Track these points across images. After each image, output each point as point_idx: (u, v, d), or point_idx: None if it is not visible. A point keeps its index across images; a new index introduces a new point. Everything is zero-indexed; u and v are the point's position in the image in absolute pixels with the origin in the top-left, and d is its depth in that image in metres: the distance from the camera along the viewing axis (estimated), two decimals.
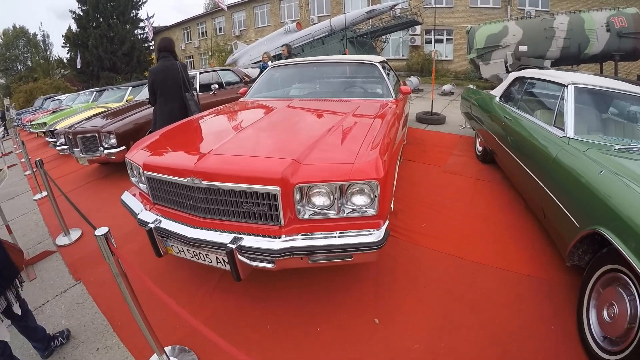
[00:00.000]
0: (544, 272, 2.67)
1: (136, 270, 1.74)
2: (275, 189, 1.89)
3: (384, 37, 18.28)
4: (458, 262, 2.84)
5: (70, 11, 29.76)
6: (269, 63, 7.50)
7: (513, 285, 2.55)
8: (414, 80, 13.28)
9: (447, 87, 12.59)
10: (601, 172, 2.14)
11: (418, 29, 19.53)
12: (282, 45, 7.71)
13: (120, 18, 30.14)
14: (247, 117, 3.31)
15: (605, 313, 1.89)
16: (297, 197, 1.95)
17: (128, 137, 5.19)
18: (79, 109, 9.55)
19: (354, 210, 2.01)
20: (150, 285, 1.70)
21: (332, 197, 1.97)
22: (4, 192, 6.06)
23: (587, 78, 3.39)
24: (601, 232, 1.89)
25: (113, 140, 5.19)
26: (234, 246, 1.91)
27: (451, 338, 2.11)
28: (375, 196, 1.95)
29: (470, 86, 8.32)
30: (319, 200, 1.99)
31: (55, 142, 6.81)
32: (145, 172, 2.37)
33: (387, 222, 2.08)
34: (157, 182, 2.33)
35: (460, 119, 7.35)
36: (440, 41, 20.79)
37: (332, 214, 2.00)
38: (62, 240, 3.70)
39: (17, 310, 1.92)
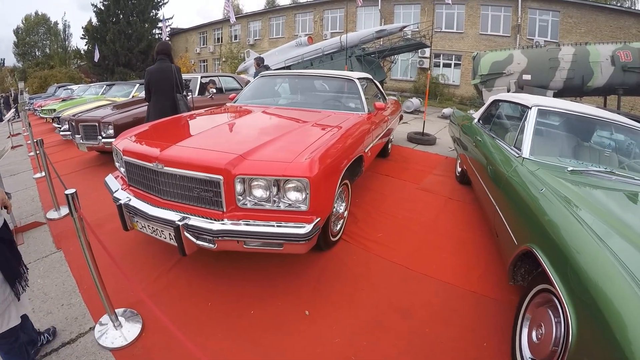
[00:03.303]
0: (490, 290, 2.71)
1: (100, 239, 2.07)
2: (219, 177, 2.23)
3: (392, 57, 18.68)
4: (404, 271, 2.94)
5: (92, 4, 30.64)
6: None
7: (454, 299, 2.60)
8: (414, 101, 13.60)
9: (447, 111, 12.83)
10: (542, 190, 2.19)
11: (427, 52, 19.88)
12: (254, 59, 7.93)
13: (139, 16, 30.98)
14: (223, 118, 3.68)
15: (534, 334, 1.86)
16: (239, 187, 2.28)
17: (125, 129, 5.50)
18: (88, 100, 10.01)
19: (290, 205, 2.32)
20: (108, 252, 2.01)
21: (269, 191, 2.29)
22: (8, 168, 6.53)
23: (553, 101, 3.48)
24: (533, 250, 1.91)
25: (111, 131, 5.57)
26: (180, 223, 2.25)
27: (375, 339, 2.21)
28: (307, 194, 2.25)
29: (470, 111, 8.46)
30: (258, 193, 2.31)
31: (61, 127, 7.22)
32: (124, 157, 2.73)
33: (318, 219, 2.37)
34: (132, 165, 2.69)
35: (451, 142, 7.56)
36: (448, 65, 21.24)
37: (269, 205, 2.32)
38: (52, 214, 4.06)
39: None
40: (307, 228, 2.25)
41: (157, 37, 32.01)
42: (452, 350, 2.14)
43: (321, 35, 23.72)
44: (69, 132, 6.41)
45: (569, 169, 2.49)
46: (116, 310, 2.29)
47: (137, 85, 9.91)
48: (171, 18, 27.11)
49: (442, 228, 3.78)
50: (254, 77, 7.40)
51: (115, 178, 3.11)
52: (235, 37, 30.84)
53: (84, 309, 2.48)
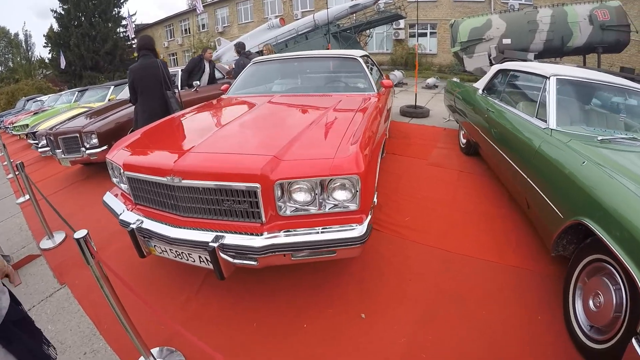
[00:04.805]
0: (529, 262, 2.69)
1: (117, 273, 1.72)
2: (256, 185, 1.89)
3: (367, 31, 18.28)
4: (443, 254, 2.85)
5: (52, 10, 29.09)
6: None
7: (498, 276, 2.55)
8: (397, 74, 13.33)
9: (430, 81, 12.69)
10: (584, 162, 2.16)
11: (402, 23, 19.58)
12: (234, 45, 7.59)
13: (102, 16, 29.49)
14: (228, 114, 3.30)
15: (591, 303, 1.90)
16: (278, 193, 1.95)
17: (110, 137, 5.10)
18: (61, 110, 9.42)
19: (335, 205, 2.02)
20: (131, 288, 1.69)
21: (313, 193, 1.97)
22: None
23: (569, 70, 3.41)
24: (585, 222, 1.90)
25: (95, 140, 5.11)
26: (215, 245, 1.91)
27: (437, 331, 2.11)
28: (357, 191, 1.95)
29: (454, 79, 8.34)
30: (300, 197, 1.99)
31: (37, 144, 6.71)
32: (126, 173, 2.34)
33: (369, 216, 2.08)
34: (138, 182, 2.31)
35: (444, 112, 7.40)
36: (424, 35, 20.90)
37: (313, 209, 2.01)
38: (46, 243, 3.63)
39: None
40: (361, 229, 1.97)
41: (122, 35, 30.65)
42: (511, 328, 2.11)
43: (292, 15, 23.03)
44: (47, 148, 5.91)
45: (599, 138, 2.46)
46: (152, 350, 1.97)
47: (112, 87, 9.37)
48: (134, 14, 25.82)
49: (463, 204, 3.71)
50: (235, 65, 7.02)
51: (116, 196, 2.72)
52: (204, 26, 29.88)
53: (112, 354, 2.13)
